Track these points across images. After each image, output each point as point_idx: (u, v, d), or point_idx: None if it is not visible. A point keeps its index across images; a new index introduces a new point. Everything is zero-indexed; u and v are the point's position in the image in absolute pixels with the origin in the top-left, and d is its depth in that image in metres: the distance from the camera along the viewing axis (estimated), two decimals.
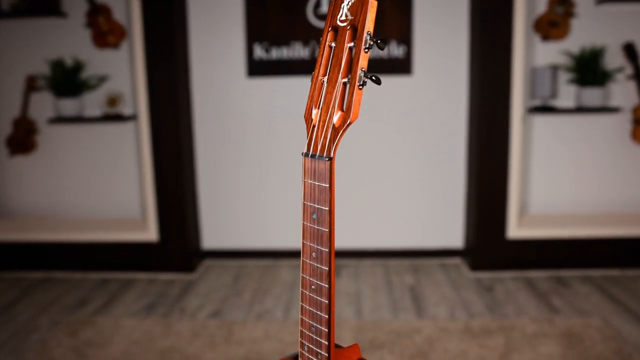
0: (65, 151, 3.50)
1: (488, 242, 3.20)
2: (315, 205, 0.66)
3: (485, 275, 3.18)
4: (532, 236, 3.18)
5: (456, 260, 3.43)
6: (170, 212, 3.25)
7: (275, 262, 3.45)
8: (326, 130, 0.63)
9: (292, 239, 3.46)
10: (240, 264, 3.44)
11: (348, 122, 0.62)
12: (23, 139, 3.37)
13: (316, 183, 0.65)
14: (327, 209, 0.64)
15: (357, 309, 2.76)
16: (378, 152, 3.37)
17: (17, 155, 3.46)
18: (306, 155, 0.66)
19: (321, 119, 0.64)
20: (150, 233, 3.26)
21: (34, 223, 3.47)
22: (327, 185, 0.64)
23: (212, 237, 3.51)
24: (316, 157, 0.64)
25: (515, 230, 3.17)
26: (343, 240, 3.43)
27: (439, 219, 3.43)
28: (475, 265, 3.23)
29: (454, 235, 3.44)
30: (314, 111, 0.65)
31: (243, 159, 3.42)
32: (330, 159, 0.63)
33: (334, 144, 0.63)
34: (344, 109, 0.62)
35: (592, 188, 3.41)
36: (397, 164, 3.38)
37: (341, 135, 0.62)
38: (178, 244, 3.28)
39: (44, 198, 3.58)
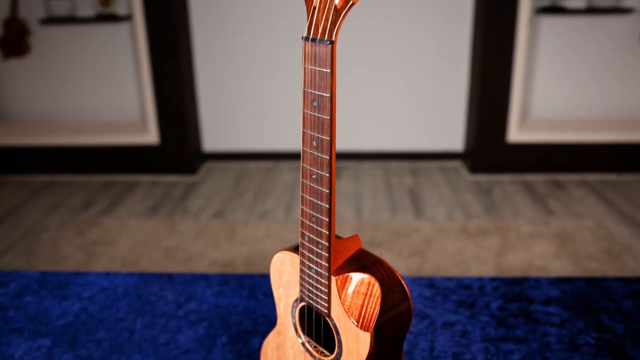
0: (60, 53, 3.42)
1: (488, 145, 3.21)
2: (316, 92, 0.65)
3: (484, 178, 3.22)
4: (532, 140, 3.19)
5: (456, 163, 3.45)
6: (170, 115, 3.23)
7: (276, 164, 3.48)
8: (327, 12, 0.61)
9: (292, 141, 3.47)
10: (241, 166, 3.48)
11: (351, 2, 0.59)
12: (16, 40, 3.28)
13: (317, 68, 0.64)
14: (328, 95, 0.63)
15: (356, 209, 2.82)
16: (379, 53, 3.29)
17: (11, 58, 3.39)
18: (306, 39, 0.64)
19: (322, 0, 0.62)
20: (150, 136, 3.26)
21: (35, 127, 3.46)
22: (328, 71, 0.62)
23: (213, 139, 3.52)
24: (317, 40, 0.63)
25: (515, 133, 3.17)
26: (343, 142, 3.44)
27: (440, 121, 3.42)
28: (474, 168, 3.26)
29: (454, 138, 3.44)
30: None
31: (242, 59, 3.35)
32: (332, 43, 0.61)
33: (335, 26, 0.61)
34: None
35: (597, 93, 3.36)
36: (398, 65, 3.32)
37: (343, 17, 0.60)
38: (179, 147, 3.29)
39: (41, 101, 3.54)
